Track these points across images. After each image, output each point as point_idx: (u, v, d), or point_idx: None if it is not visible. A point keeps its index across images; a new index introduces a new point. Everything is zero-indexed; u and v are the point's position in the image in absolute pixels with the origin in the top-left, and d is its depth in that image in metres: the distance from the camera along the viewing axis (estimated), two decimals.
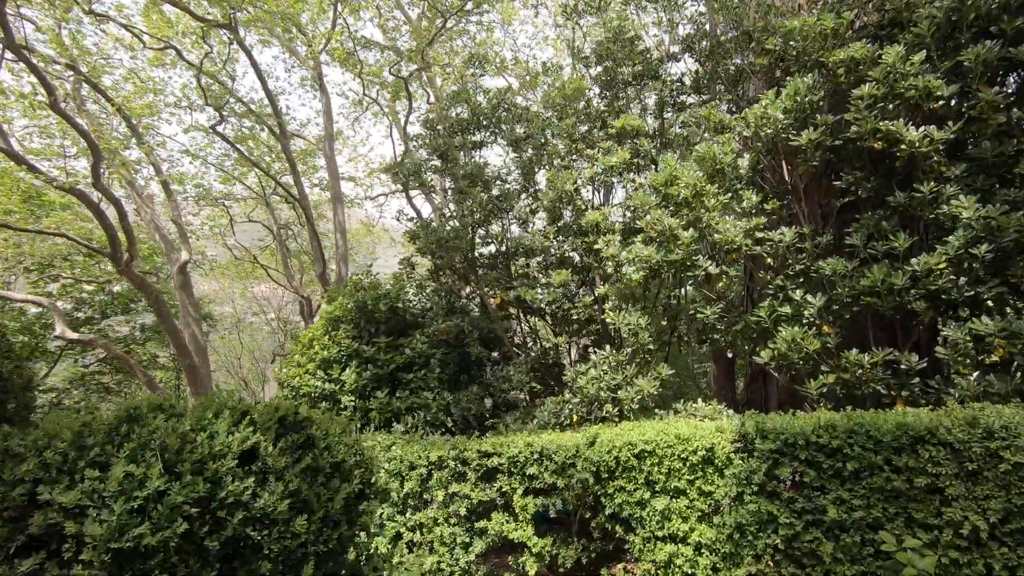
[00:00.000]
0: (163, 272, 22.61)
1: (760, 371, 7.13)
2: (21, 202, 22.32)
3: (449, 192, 7.84)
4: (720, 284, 6.69)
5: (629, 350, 6.96)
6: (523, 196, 8.32)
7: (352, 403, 7.93)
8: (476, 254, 8.51)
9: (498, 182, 8.16)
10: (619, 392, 6.52)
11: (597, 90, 7.98)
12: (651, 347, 6.76)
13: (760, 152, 6.82)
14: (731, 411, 6.54)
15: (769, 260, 6.47)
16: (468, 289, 9.01)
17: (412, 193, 13.67)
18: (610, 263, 6.86)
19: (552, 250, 8.50)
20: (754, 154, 6.82)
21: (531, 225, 8.05)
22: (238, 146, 17.49)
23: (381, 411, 7.81)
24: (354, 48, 15.56)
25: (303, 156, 21.36)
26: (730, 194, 6.79)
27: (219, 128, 16.47)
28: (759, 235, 6.43)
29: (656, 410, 6.79)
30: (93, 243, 17.95)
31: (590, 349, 7.45)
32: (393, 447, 7.04)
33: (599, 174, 7.41)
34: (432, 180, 8.48)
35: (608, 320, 6.88)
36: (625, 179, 7.36)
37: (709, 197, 6.52)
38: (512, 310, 8.37)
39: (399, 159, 12.33)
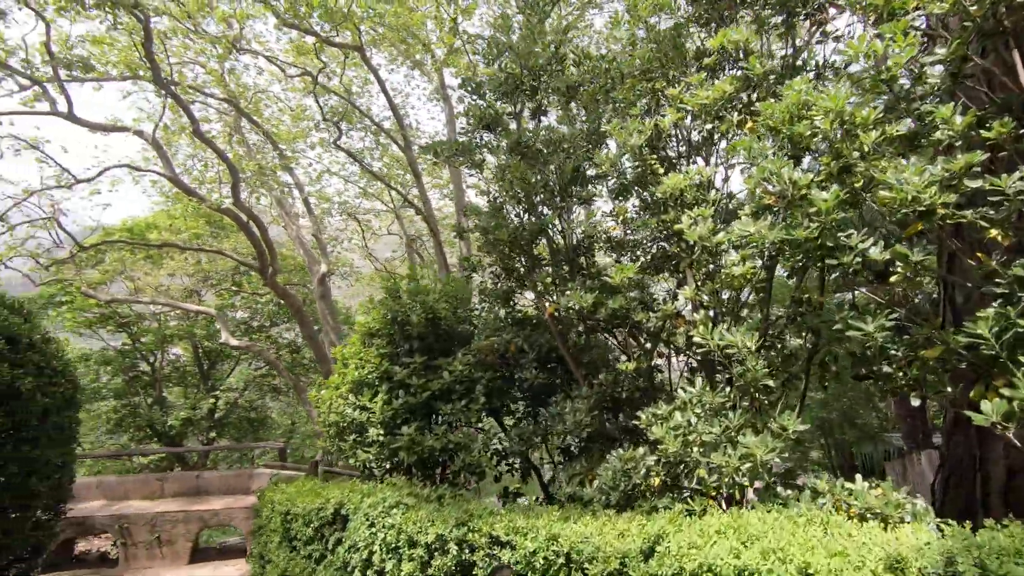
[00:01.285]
0: (310, 285, 22.54)
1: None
2: (207, 224, 23.46)
3: (504, 170, 5.39)
4: (894, 279, 3.46)
5: (732, 387, 4.05)
6: (587, 167, 5.63)
7: (380, 437, 5.85)
8: (537, 248, 5.96)
9: (560, 152, 5.61)
10: (715, 455, 3.63)
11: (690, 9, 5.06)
12: (768, 383, 3.77)
13: (972, 34, 3.50)
14: (923, 502, 3.34)
15: (994, 232, 3.19)
16: (529, 295, 6.52)
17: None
18: (702, 250, 4.00)
19: (618, 237, 5.73)
20: (957, 42, 3.48)
21: (596, 209, 5.33)
22: (367, 162, 16.54)
23: (410, 450, 5.61)
24: (463, 45, 13.80)
25: (433, 168, 20.00)
26: (907, 121, 3.58)
27: (348, 144, 15.71)
28: (970, 185, 3.18)
29: (779, 487, 3.78)
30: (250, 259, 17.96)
31: (677, 380, 4.61)
32: (394, 511, 4.73)
33: (684, 119, 4.60)
34: (484, 159, 6.09)
35: (696, 339, 4.00)
36: (725, 123, 4.41)
37: (867, 128, 3.41)
38: (576, 322, 5.70)
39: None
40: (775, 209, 3.76)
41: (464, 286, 6.90)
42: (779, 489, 3.85)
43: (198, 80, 15.67)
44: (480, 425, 6.36)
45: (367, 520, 5.32)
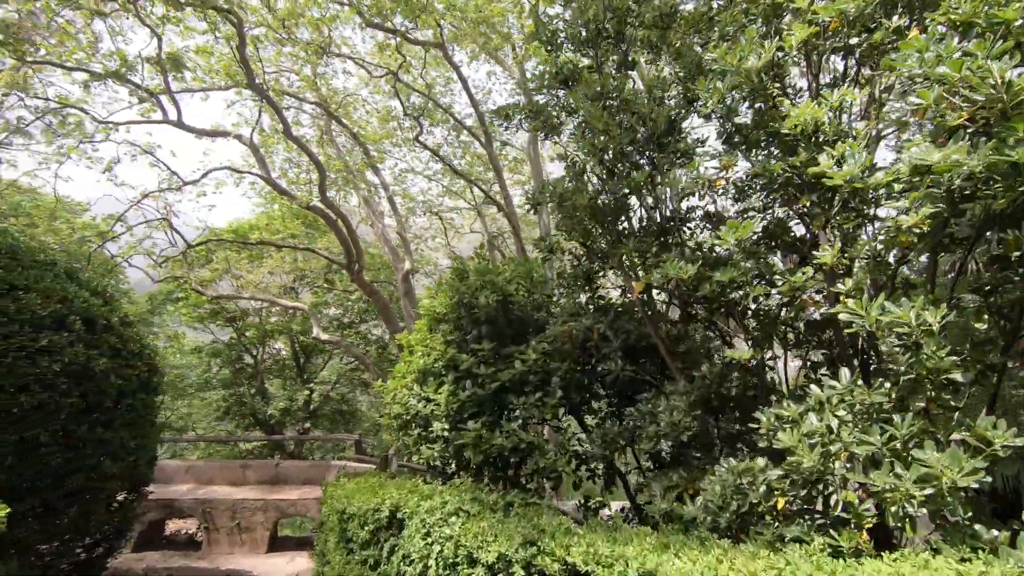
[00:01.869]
0: (395, 282, 22.47)
1: None
2: (302, 226, 23.97)
3: (584, 126, 4.42)
4: None
5: (893, 382, 2.85)
6: (683, 115, 4.51)
7: (444, 432, 5.02)
8: (623, 223, 4.92)
9: (651, 100, 4.49)
10: (876, 474, 2.49)
11: None
12: (955, 376, 2.55)
13: None
14: None
15: None
16: (613, 279, 5.47)
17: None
18: (850, 196, 2.83)
19: (721, 208, 4.54)
20: None
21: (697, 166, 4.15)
22: (449, 160, 16.00)
23: (477, 447, 4.75)
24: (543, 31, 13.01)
25: (514, 165, 19.25)
26: None
27: (430, 142, 15.29)
28: None
29: (974, 525, 2.57)
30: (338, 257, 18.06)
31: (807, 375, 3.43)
32: (453, 519, 3.87)
33: (818, 38, 3.37)
34: (562, 122, 5.13)
35: (843, 316, 2.85)
36: (880, 33, 3.19)
37: None
38: (671, 304, 4.60)
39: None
40: (968, 131, 2.55)
41: (539, 267, 5.97)
42: (978, 527, 2.63)
43: (292, 87, 15.80)
44: (557, 423, 5.38)
45: (423, 528, 4.50)
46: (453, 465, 4.86)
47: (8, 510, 3.56)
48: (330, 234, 22.66)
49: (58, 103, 13.10)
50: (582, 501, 5.44)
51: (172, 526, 10.32)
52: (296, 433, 23.24)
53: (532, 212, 11.21)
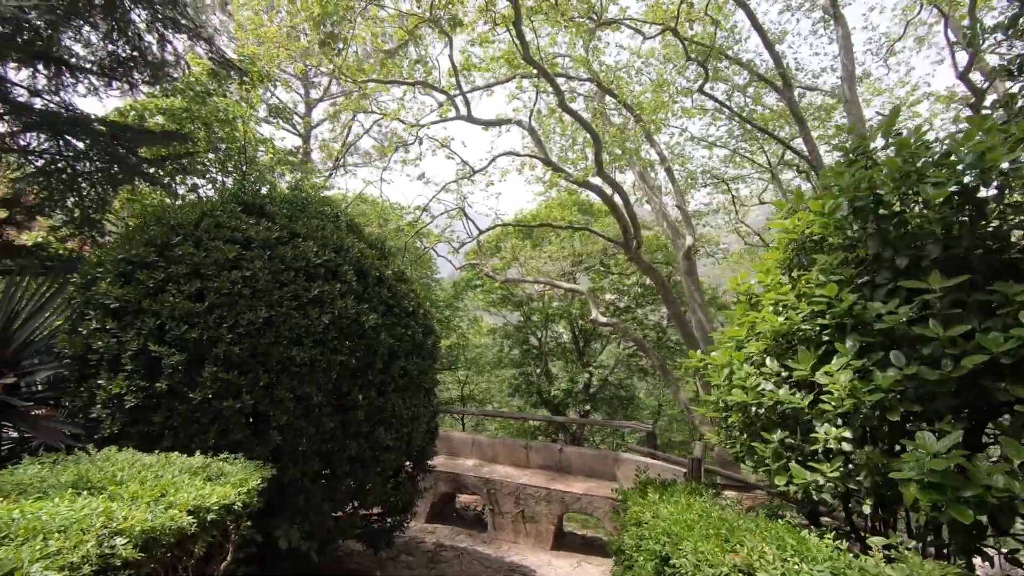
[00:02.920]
0: (674, 264, 20.27)
1: None
2: (578, 212, 23.65)
3: None
4: None
5: None
6: None
7: (844, 447, 2.58)
8: None
9: None
10: None
11: None
12: None
13: None
14: None
15: None
16: None
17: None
18: None
19: None
20: None
21: None
22: (742, 109, 13.36)
23: (950, 490, 2.25)
24: None
25: (820, 114, 15.47)
26: None
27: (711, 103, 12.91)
28: None
29: None
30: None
31: None
32: None
33: None
34: None
35: None
36: None
37: None
38: None
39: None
40: None
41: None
42: None
43: (566, 71, 14.98)
44: None
45: None
46: (867, 507, 2.59)
47: (270, 473, 2.76)
48: (605, 218, 21.62)
49: (381, 115, 14.31)
50: None
51: (462, 499, 10.10)
52: (577, 415, 22.86)
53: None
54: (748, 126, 15.72)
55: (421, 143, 14.49)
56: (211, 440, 3.30)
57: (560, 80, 14.08)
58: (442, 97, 14.30)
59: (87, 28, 9.71)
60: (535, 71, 12.12)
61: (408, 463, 5.04)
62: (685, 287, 15.40)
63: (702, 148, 17.35)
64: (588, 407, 22.55)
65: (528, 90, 14.76)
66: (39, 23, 7.64)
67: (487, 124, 14.76)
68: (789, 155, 16.67)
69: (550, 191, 20.74)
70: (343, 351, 3.84)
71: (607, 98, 15.18)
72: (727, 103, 12.68)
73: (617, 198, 14.00)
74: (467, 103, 13.42)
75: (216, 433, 3.32)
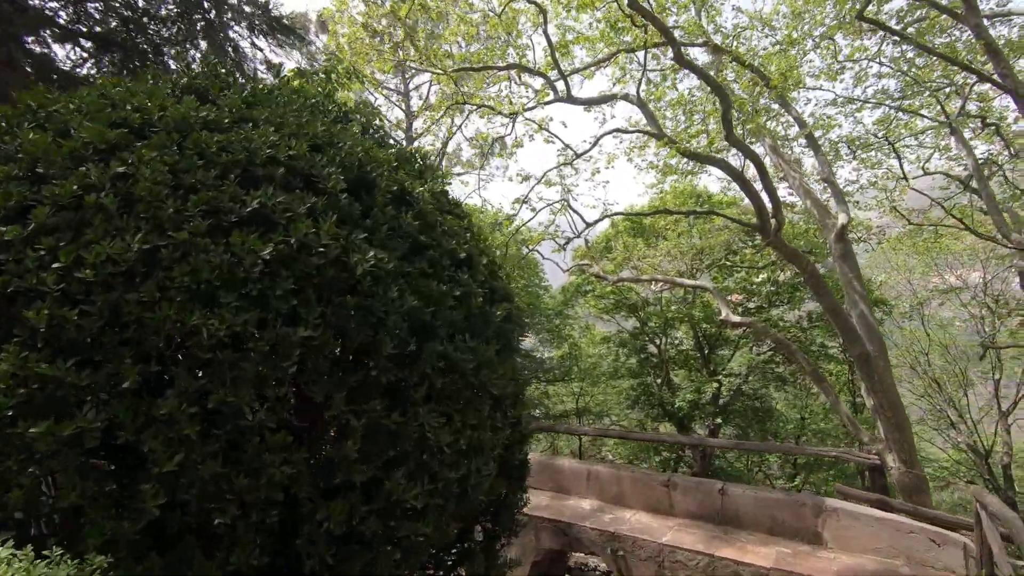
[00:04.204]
0: (819, 251, 16.46)
1: None
2: (695, 204, 20.95)
3: None
4: None
5: None
6: None
7: None
8: None
9: None
10: None
11: None
12: None
13: None
14: None
15: None
16: None
17: None
18: None
19: None
20: None
21: None
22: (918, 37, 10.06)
23: None
24: None
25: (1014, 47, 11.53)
26: None
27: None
28: None
29: None
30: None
31: None
32: None
33: None
34: None
35: None
36: None
37: None
38: None
39: None
40: None
41: None
42: None
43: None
44: None
45: None
46: None
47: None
48: (728, 209, 18.28)
49: (476, 105, 12.57)
50: None
51: (576, 557, 6.56)
52: (707, 429, 19.47)
53: None
54: (914, 73, 11.99)
55: (514, 124, 12.61)
56: None
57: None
58: (539, 84, 12.36)
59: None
60: (640, 31, 9.76)
61: (482, 524, 2.85)
62: (840, 275, 11.97)
63: (847, 115, 13.65)
64: (719, 420, 19.09)
65: (633, 64, 12.34)
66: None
67: (589, 103, 12.59)
68: (971, 106, 12.53)
69: (663, 182, 17.87)
70: (311, 319, 1.81)
71: (725, 72, 12.33)
72: (897, 30, 9.29)
73: (750, 171, 11.07)
74: (566, 83, 11.36)
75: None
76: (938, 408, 18.02)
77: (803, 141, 14.34)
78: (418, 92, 19.61)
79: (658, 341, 21.62)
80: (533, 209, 13.17)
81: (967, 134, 13.14)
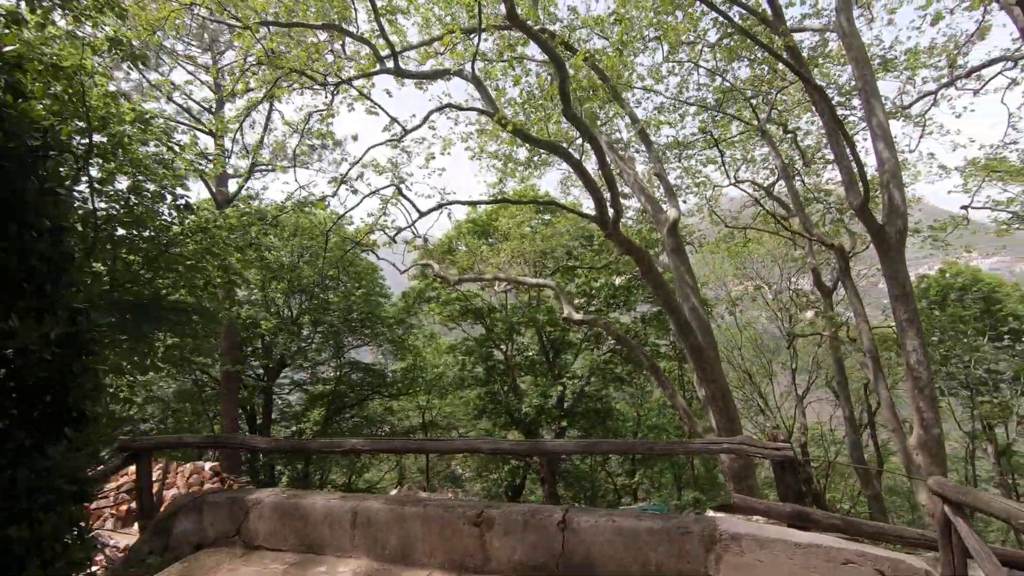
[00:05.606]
0: (653, 251, 16.53)
1: None
2: (536, 207, 20.10)
3: None
4: None
5: None
6: None
7: None
8: None
9: None
10: None
11: None
12: None
13: None
14: None
15: None
16: None
17: None
18: None
19: None
20: None
21: None
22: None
23: None
24: None
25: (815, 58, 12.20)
26: None
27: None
28: None
29: None
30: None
31: None
32: None
33: None
34: None
35: None
36: None
37: None
38: None
39: None
40: None
41: None
42: None
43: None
44: None
45: None
46: None
47: None
48: (571, 213, 17.72)
49: (275, 64, 10.00)
50: None
51: None
52: (552, 434, 18.65)
53: None
54: (730, 80, 12.35)
55: (333, 95, 10.43)
56: None
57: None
58: (366, 56, 10.38)
59: None
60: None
61: None
62: (672, 268, 11.69)
63: (673, 124, 13.81)
64: (564, 423, 18.43)
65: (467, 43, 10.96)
66: None
67: (421, 77, 10.86)
68: (775, 113, 13.40)
69: (503, 182, 16.65)
70: None
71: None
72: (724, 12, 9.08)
73: (592, 150, 10.24)
74: (393, 52, 9.53)
75: None
76: (750, 397, 19.55)
77: (636, 143, 14.26)
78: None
79: (504, 347, 20.63)
80: (355, 191, 10.98)
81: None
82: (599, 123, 13.21)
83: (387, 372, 21.07)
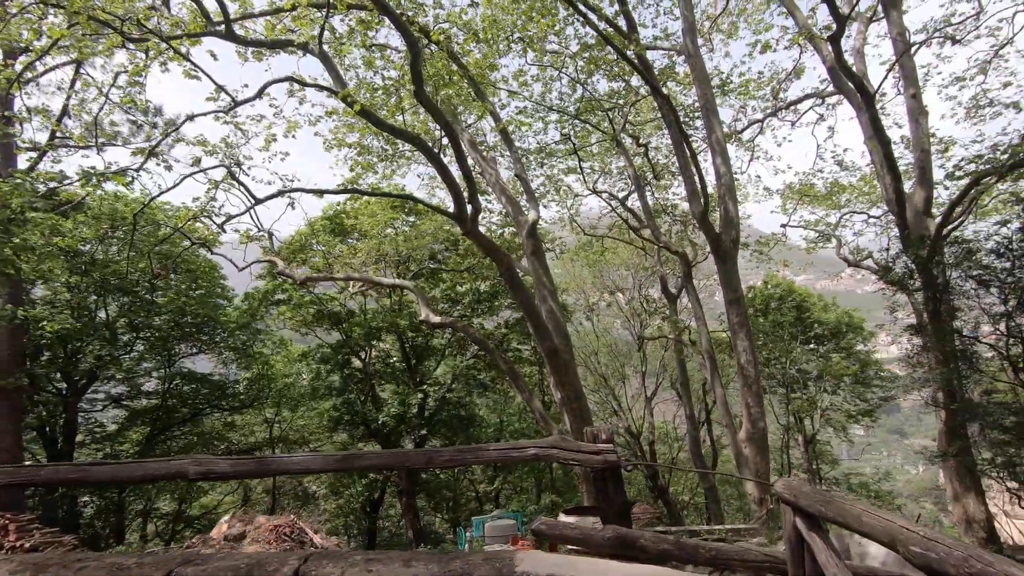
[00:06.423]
0: (513, 255, 16.27)
1: None
2: (400, 212, 18.93)
3: None
4: None
5: None
6: None
7: None
8: None
9: None
10: None
11: None
12: None
13: None
14: None
15: None
16: None
17: None
18: None
19: None
20: None
21: None
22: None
23: None
24: None
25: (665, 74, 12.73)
26: None
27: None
28: None
29: None
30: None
31: None
32: None
33: None
34: None
35: None
36: None
37: None
38: None
39: None
40: None
41: None
42: None
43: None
44: None
45: None
46: None
47: None
48: (435, 216, 16.86)
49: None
50: None
51: None
52: (412, 444, 17.51)
53: None
54: (590, 91, 12.50)
55: (148, 58, 8.60)
56: None
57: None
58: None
59: None
60: None
61: None
62: (531, 270, 11.43)
63: (536, 132, 13.74)
64: (424, 432, 17.42)
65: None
66: None
67: (258, 46, 9.36)
68: (630, 127, 13.94)
69: (362, 177, 15.35)
70: None
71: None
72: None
73: (447, 139, 9.56)
74: (226, 15, 8.05)
75: None
76: (605, 400, 20.29)
77: (501, 146, 13.95)
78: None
79: (363, 354, 19.15)
80: (169, 167, 9.14)
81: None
82: (464, 125, 12.66)
83: (228, 383, 18.40)
